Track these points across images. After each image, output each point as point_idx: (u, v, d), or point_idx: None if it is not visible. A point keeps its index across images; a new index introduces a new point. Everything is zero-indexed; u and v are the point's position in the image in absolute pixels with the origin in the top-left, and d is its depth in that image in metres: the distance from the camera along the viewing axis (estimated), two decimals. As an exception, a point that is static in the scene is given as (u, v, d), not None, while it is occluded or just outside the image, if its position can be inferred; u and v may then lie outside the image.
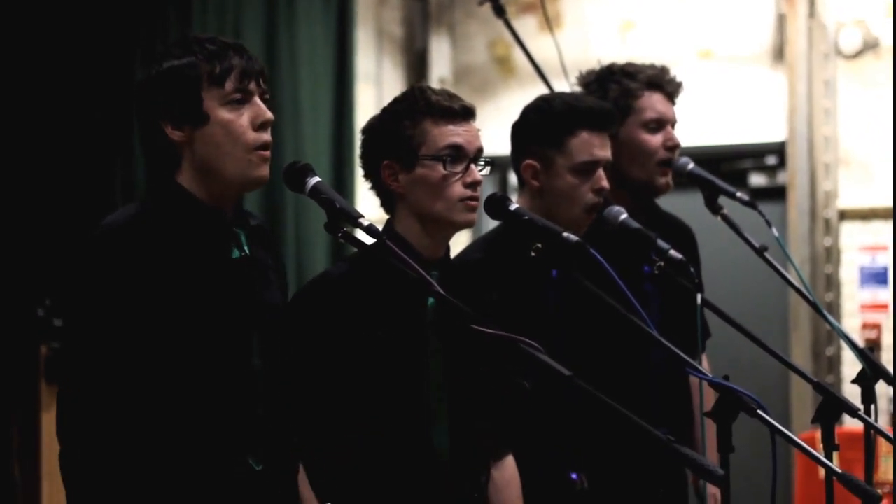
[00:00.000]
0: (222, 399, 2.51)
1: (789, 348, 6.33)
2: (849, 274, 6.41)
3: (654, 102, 3.61)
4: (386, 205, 2.92)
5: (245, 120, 2.54)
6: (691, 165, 3.60)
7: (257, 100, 2.56)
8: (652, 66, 3.67)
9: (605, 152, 3.30)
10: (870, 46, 6.40)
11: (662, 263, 3.17)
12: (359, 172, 2.97)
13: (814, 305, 3.36)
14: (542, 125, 3.31)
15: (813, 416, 2.78)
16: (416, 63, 7.07)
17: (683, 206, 4.09)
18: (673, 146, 3.61)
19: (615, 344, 3.34)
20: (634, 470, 3.46)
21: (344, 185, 6.01)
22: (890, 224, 6.15)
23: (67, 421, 2.44)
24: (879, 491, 2.46)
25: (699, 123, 6.32)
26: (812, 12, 6.42)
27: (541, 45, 5.80)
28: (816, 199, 6.41)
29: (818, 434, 2.77)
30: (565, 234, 2.92)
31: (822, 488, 2.71)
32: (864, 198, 6.40)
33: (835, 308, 6.32)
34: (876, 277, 6.36)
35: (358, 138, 2.96)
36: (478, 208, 2.89)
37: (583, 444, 3.28)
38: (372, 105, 6.28)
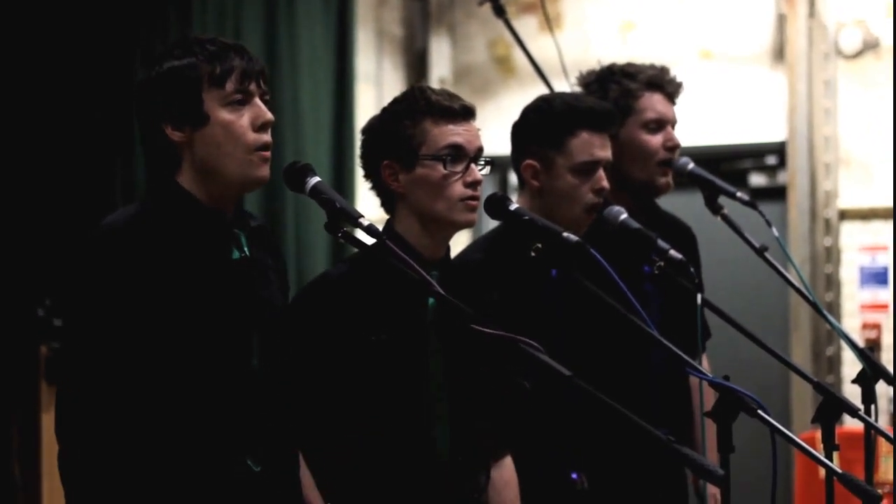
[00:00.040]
0: (221, 399, 2.51)
1: (789, 348, 6.33)
2: (849, 274, 6.41)
3: (654, 103, 3.61)
4: (386, 205, 2.92)
5: (245, 121, 2.54)
6: (691, 165, 3.60)
7: (258, 101, 2.56)
8: (652, 67, 3.67)
9: (605, 152, 3.30)
10: (870, 46, 6.41)
11: (662, 263, 3.17)
12: (359, 172, 2.97)
13: (814, 305, 3.36)
14: (542, 125, 3.31)
15: (813, 416, 2.78)
16: (417, 63, 7.07)
17: (683, 206, 4.09)
18: (673, 146, 3.61)
19: (615, 344, 3.34)
20: (635, 470, 3.46)
21: (344, 185, 6.01)
22: (890, 224, 6.15)
23: (66, 421, 2.44)
24: (879, 491, 2.46)
25: (699, 123, 6.32)
26: (812, 12, 6.43)
27: (541, 45, 5.80)
28: (816, 199, 6.41)
29: (818, 434, 2.77)
30: (565, 234, 2.92)
31: (822, 488, 2.71)
32: (865, 198, 6.40)
33: (835, 308, 6.32)
34: (876, 277, 6.36)
35: (358, 138, 2.96)
36: (478, 208, 2.89)
37: (583, 444, 3.28)
38: (372, 105, 6.28)
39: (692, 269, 3.17)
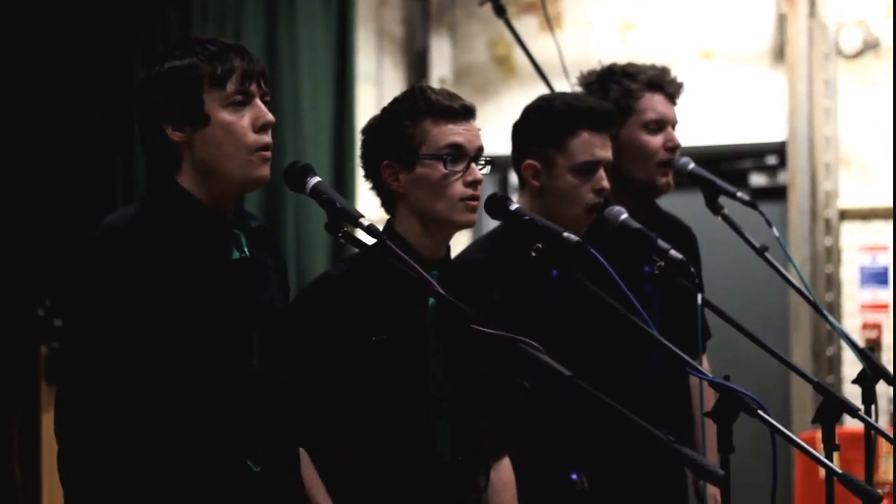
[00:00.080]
0: (222, 400, 2.51)
1: (790, 348, 6.33)
2: (849, 274, 6.41)
3: (654, 103, 3.61)
4: (386, 205, 2.92)
5: (246, 122, 2.54)
6: (692, 165, 3.60)
7: (258, 101, 2.56)
8: (653, 67, 3.67)
9: (605, 153, 3.30)
10: (870, 46, 6.41)
11: (663, 263, 3.17)
12: (359, 172, 2.97)
13: (814, 305, 3.36)
14: (542, 125, 3.31)
15: (813, 417, 2.78)
16: (417, 63, 7.07)
17: (684, 206, 4.09)
18: (673, 147, 3.61)
19: (615, 344, 3.34)
20: (635, 470, 3.46)
21: (344, 185, 6.01)
22: (890, 224, 6.15)
23: (66, 421, 2.44)
24: (880, 491, 2.46)
25: (700, 123, 6.32)
26: (812, 12, 6.42)
27: (541, 45, 5.80)
28: (817, 199, 6.41)
29: (818, 434, 2.77)
30: (566, 234, 2.92)
31: (822, 488, 2.71)
32: (865, 198, 6.40)
33: (835, 308, 6.32)
34: (876, 277, 6.36)
35: (358, 138, 2.96)
36: (478, 208, 2.89)
37: (583, 445, 3.28)
38: (372, 105, 6.28)
39: (692, 269, 3.17)
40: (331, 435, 2.79)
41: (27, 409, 4.91)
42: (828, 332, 6.29)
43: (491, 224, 3.27)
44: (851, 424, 4.47)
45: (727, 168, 6.67)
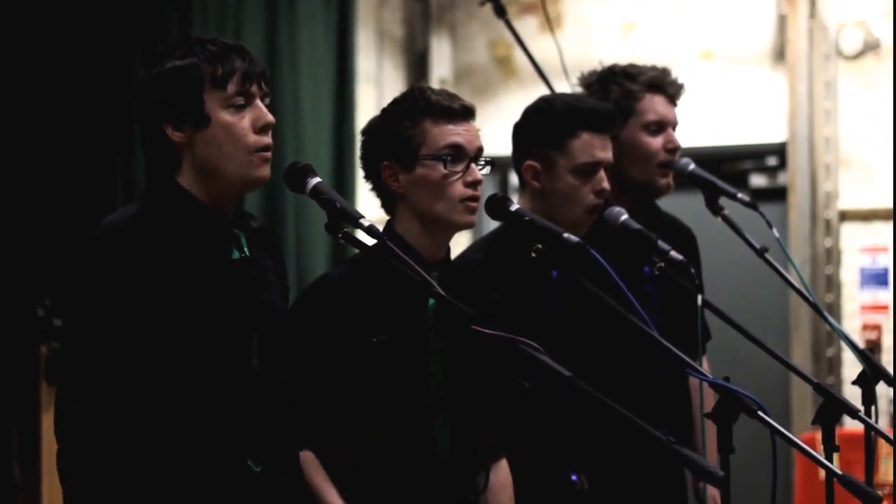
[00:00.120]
0: (222, 400, 2.51)
1: (790, 349, 6.33)
2: (849, 275, 6.41)
3: (655, 105, 3.61)
4: (386, 205, 2.92)
5: (246, 123, 2.54)
6: (692, 166, 3.60)
7: (258, 102, 2.56)
8: (653, 68, 3.67)
9: (606, 153, 3.30)
10: (870, 47, 6.40)
11: (663, 264, 3.17)
12: (359, 173, 2.97)
13: (814, 306, 3.36)
14: (543, 126, 3.31)
15: (813, 418, 2.78)
16: (417, 64, 7.07)
17: (684, 206, 4.09)
18: (673, 148, 3.61)
19: (615, 345, 3.34)
20: (634, 471, 3.46)
21: (344, 185, 6.01)
22: (890, 225, 6.15)
23: (66, 421, 2.44)
24: (880, 492, 2.46)
25: (700, 124, 6.31)
26: (813, 13, 6.42)
27: (542, 45, 5.80)
28: (817, 200, 6.41)
29: (818, 435, 2.77)
30: (566, 234, 2.92)
31: (822, 490, 2.71)
32: (865, 199, 6.40)
33: (835, 309, 6.32)
34: (876, 279, 6.36)
35: (358, 139, 2.96)
36: (478, 209, 2.89)
37: (583, 445, 3.28)
38: (373, 106, 6.28)
39: (692, 270, 3.17)
40: (331, 435, 2.79)
41: (27, 409, 4.91)
42: (828, 333, 6.29)
43: (491, 225, 3.27)
44: (851, 426, 4.47)
45: (727, 169, 6.67)
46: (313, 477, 2.75)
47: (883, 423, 5.69)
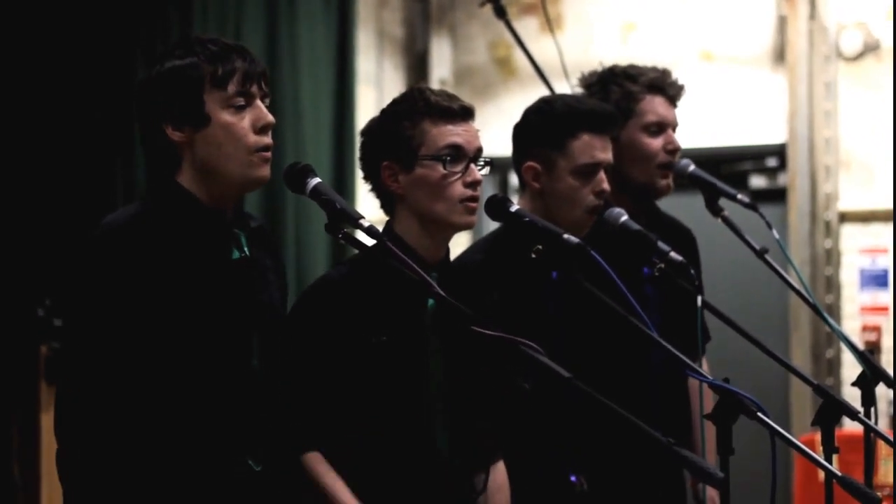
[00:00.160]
0: (222, 400, 2.51)
1: (789, 350, 6.33)
2: (849, 276, 6.41)
3: (655, 106, 3.61)
4: (386, 206, 2.92)
5: (246, 123, 2.54)
6: (692, 167, 3.60)
7: (259, 102, 2.56)
8: (654, 69, 3.67)
9: (606, 154, 3.30)
10: (870, 48, 6.41)
11: (663, 265, 3.17)
12: (359, 174, 2.97)
13: (814, 307, 3.36)
14: (543, 127, 3.31)
15: (813, 419, 2.78)
16: (417, 64, 7.07)
17: (684, 207, 4.09)
18: (673, 150, 3.61)
19: (615, 346, 3.34)
20: (634, 472, 3.46)
21: (344, 186, 6.01)
22: (890, 226, 6.15)
23: (66, 420, 2.44)
24: (879, 494, 2.46)
25: (700, 125, 6.32)
26: (813, 14, 6.42)
27: (542, 46, 5.80)
28: (817, 202, 6.41)
29: (818, 436, 2.77)
30: (566, 235, 2.92)
31: (821, 491, 2.71)
32: (865, 200, 6.40)
33: (835, 310, 6.32)
34: (876, 280, 6.36)
35: (358, 140, 2.96)
36: (477, 209, 2.89)
37: (582, 446, 3.28)
38: (372, 106, 6.28)
39: (692, 271, 3.17)
40: (331, 435, 2.79)
41: (27, 409, 4.91)
42: (827, 334, 6.29)
43: (491, 225, 3.27)
44: (851, 427, 4.47)
45: (727, 170, 6.67)
46: (323, 477, 2.74)
47: (882, 425, 5.69)
